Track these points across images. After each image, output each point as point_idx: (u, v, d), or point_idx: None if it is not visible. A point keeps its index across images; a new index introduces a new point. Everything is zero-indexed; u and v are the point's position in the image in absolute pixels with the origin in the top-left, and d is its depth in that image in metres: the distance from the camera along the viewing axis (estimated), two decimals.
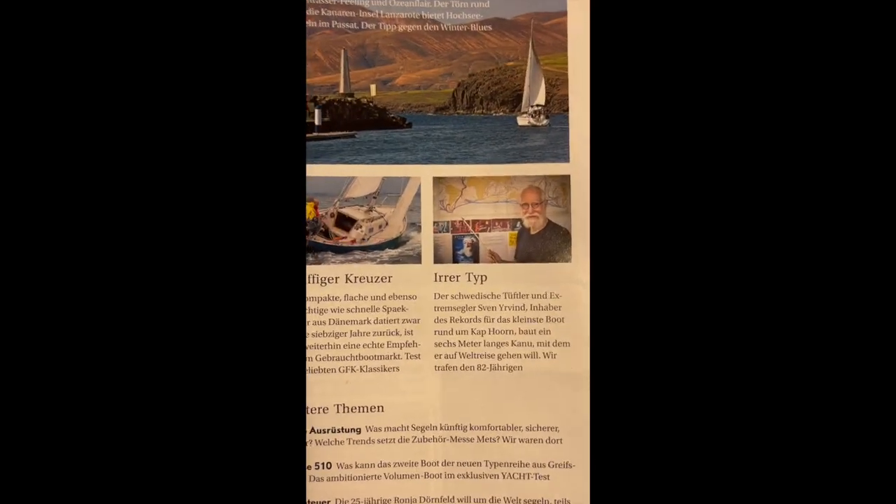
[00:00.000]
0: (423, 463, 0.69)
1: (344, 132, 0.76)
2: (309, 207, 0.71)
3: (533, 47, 0.76)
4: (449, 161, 0.73)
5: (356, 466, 0.68)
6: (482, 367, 0.70)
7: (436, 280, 0.71)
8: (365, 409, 0.69)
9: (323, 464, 0.68)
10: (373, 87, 0.78)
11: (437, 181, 0.72)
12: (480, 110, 0.80)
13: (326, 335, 0.69)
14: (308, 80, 0.69)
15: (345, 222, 0.73)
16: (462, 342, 0.70)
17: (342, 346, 0.69)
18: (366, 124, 0.77)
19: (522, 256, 0.72)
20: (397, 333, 0.70)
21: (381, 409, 0.69)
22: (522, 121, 0.78)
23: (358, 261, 0.72)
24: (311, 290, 0.69)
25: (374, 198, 0.73)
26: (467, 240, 0.72)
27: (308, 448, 0.67)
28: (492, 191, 0.72)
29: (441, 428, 0.69)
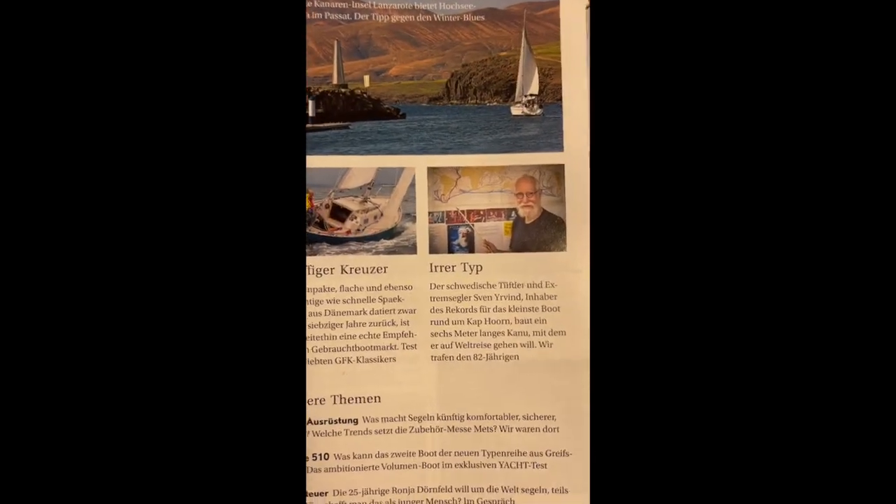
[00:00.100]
0: (421, 453, 0.69)
1: (338, 123, 0.76)
2: None
3: (526, 37, 0.76)
4: (443, 151, 0.73)
5: (353, 457, 0.68)
6: (478, 357, 0.70)
7: (431, 270, 0.71)
8: (362, 400, 0.69)
9: (320, 455, 0.68)
10: (366, 77, 0.77)
11: (432, 171, 0.72)
12: (474, 100, 0.80)
13: (322, 326, 0.69)
14: None
15: (340, 213, 0.73)
16: (458, 332, 0.70)
17: (338, 338, 0.69)
18: (359, 115, 0.76)
19: (518, 246, 0.72)
20: (393, 324, 0.70)
21: (377, 399, 0.69)
22: (516, 110, 0.78)
23: (353, 252, 0.71)
24: (307, 281, 0.69)
25: (369, 188, 0.73)
26: (462, 230, 0.72)
27: (305, 439, 0.67)
28: (486, 181, 0.72)
29: (438, 418, 0.69)
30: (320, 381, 0.68)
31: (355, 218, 0.73)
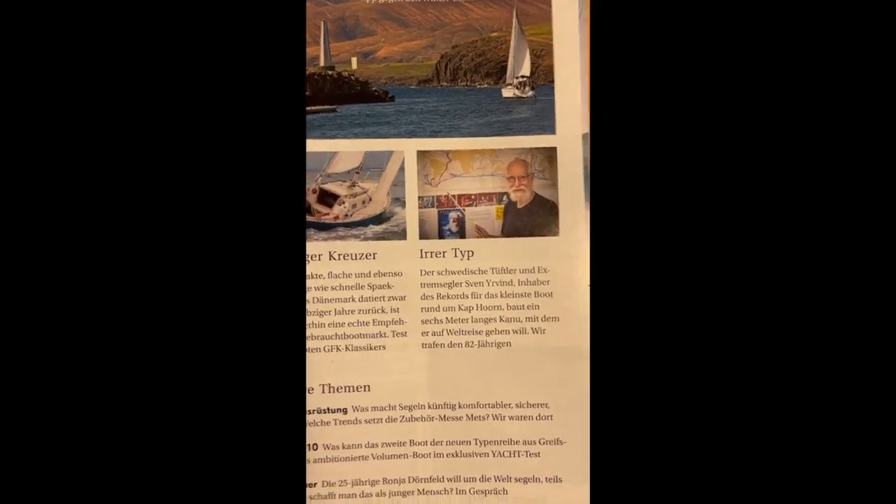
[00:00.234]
0: (412, 443, 0.68)
1: (325, 106, 0.74)
2: None
3: (517, 17, 0.75)
4: (433, 134, 0.72)
5: (343, 447, 0.68)
6: (470, 344, 0.69)
7: (422, 256, 0.70)
8: (351, 389, 0.68)
9: (309, 445, 0.67)
10: (354, 59, 0.76)
11: (422, 155, 0.71)
12: (464, 82, 0.79)
13: (310, 314, 0.68)
14: None
15: (327, 198, 0.71)
16: (449, 319, 0.69)
17: (326, 325, 0.68)
18: (347, 98, 0.75)
19: (509, 231, 0.71)
20: (383, 311, 0.69)
21: (367, 388, 0.68)
22: (507, 92, 0.77)
23: (341, 237, 0.70)
24: None
25: (357, 173, 0.72)
26: (453, 215, 0.71)
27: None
28: (477, 164, 0.72)
29: (429, 407, 0.68)
30: (309, 370, 0.67)
31: (343, 203, 0.71)
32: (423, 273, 0.70)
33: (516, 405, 0.69)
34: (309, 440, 0.67)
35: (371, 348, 0.69)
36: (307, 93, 0.73)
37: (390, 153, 0.71)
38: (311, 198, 0.71)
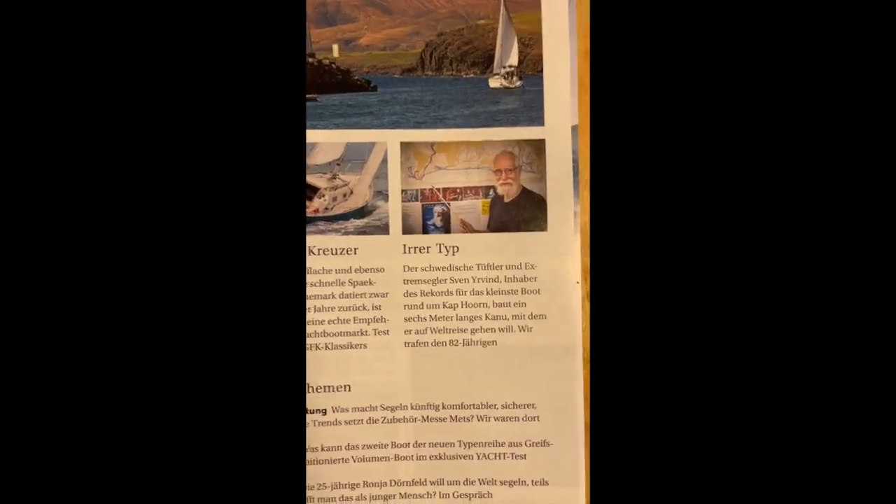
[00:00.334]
0: (394, 444, 0.67)
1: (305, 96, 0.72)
2: None
3: (505, 4, 0.74)
4: (417, 125, 0.71)
5: (322, 449, 0.66)
6: (454, 343, 0.68)
7: (405, 252, 0.69)
8: (331, 389, 0.67)
9: None
10: (335, 47, 0.74)
11: (405, 147, 0.70)
12: (450, 72, 0.77)
13: None
14: None
15: (307, 191, 0.69)
16: (433, 317, 0.68)
17: (306, 323, 0.67)
18: (328, 87, 0.73)
19: (496, 225, 0.70)
20: (364, 308, 0.68)
21: (347, 388, 0.67)
22: (494, 82, 0.76)
23: (321, 232, 0.69)
24: None
25: (338, 165, 0.70)
26: (437, 209, 0.70)
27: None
28: (463, 157, 0.71)
29: (412, 407, 0.67)
30: None
31: (323, 196, 0.70)
32: (407, 269, 0.69)
33: (502, 406, 0.68)
34: None
35: (352, 347, 0.67)
36: None
37: (373, 145, 0.70)
38: None
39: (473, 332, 0.68)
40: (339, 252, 0.68)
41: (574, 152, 0.69)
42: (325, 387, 0.67)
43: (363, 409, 0.67)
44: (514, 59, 0.75)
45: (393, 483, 0.67)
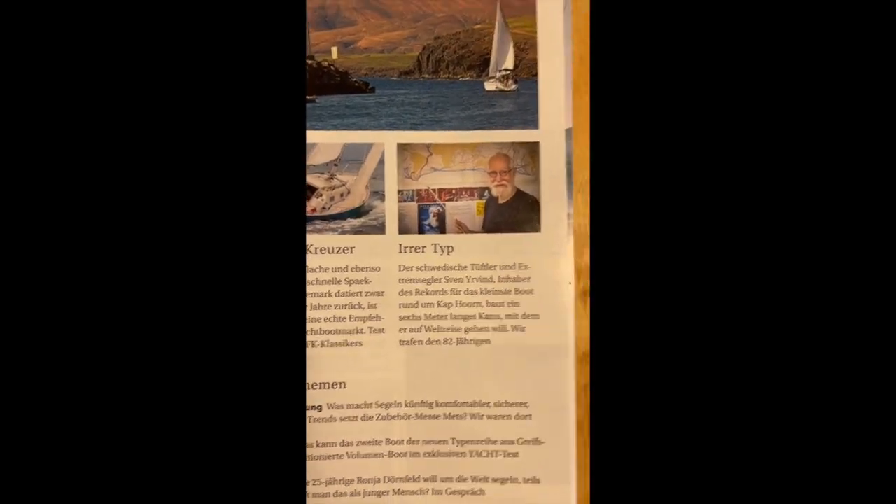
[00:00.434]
0: (388, 441, 0.67)
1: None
2: None
3: (501, 9, 0.74)
4: (414, 127, 0.71)
5: (317, 446, 0.66)
6: (448, 342, 0.68)
7: (400, 251, 0.69)
8: (326, 386, 0.67)
9: None
10: (334, 49, 0.75)
11: (402, 148, 0.70)
12: (447, 75, 0.77)
13: None
14: None
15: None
16: (428, 315, 0.68)
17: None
18: (326, 88, 0.73)
19: (490, 226, 0.70)
20: (360, 307, 0.68)
21: (343, 385, 0.67)
22: (490, 86, 0.76)
23: (318, 231, 0.69)
24: None
25: (336, 165, 0.71)
26: (433, 209, 0.70)
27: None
28: (458, 158, 0.71)
29: (406, 405, 0.68)
30: None
31: (321, 195, 0.70)
32: (402, 268, 0.69)
33: (495, 404, 0.68)
34: None
35: (347, 344, 0.68)
36: None
37: (370, 145, 0.70)
38: None
39: (467, 331, 0.68)
40: (335, 251, 0.68)
41: (568, 154, 0.69)
42: (320, 384, 0.67)
43: (358, 407, 0.67)
44: (509, 63, 0.75)
45: (387, 479, 0.67)
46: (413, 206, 0.70)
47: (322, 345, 0.67)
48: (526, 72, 0.72)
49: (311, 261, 0.68)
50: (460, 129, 0.71)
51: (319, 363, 0.67)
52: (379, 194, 0.70)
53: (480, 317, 0.68)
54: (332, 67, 0.74)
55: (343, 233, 0.69)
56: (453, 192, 0.70)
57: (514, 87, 0.75)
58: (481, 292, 0.69)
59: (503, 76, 0.76)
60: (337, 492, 0.66)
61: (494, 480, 0.67)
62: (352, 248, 0.69)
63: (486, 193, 0.70)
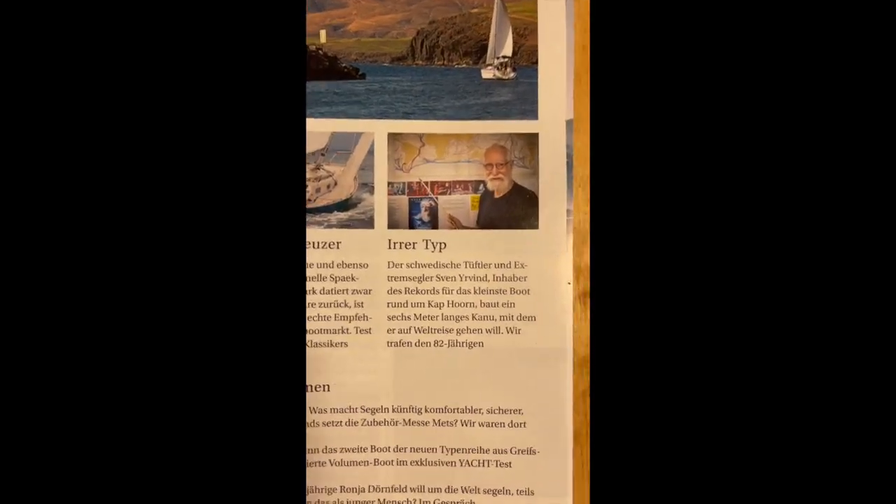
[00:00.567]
0: (373, 448, 0.66)
1: None
2: None
3: None
4: (406, 116, 0.70)
5: None
6: (439, 344, 0.67)
7: (390, 247, 0.68)
8: (309, 389, 0.67)
9: None
10: (322, 32, 0.73)
11: (393, 138, 0.69)
12: (441, 61, 0.75)
13: None
14: None
15: None
16: (418, 316, 0.67)
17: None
18: (314, 74, 0.71)
19: (485, 222, 0.69)
20: (346, 305, 0.67)
21: (326, 388, 0.67)
22: (487, 73, 0.74)
23: None
24: None
25: (322, 155, 0.69)
26: (425, 203, 0.69)
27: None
28: (453, 150, 0.69)
29: (393, 410, 0.67)
30: None
31: (306, 187, 0.69)
32: (391, 265, 0.68)
33: (487, 411, 0.67)
34: None
35: (332, 345, 0.67)
36: None
37: (359, 135, 0.69)
38: None
39: (459, 332, 0.67)
40: (320, 245, 0.67)
41: (568, 147, 0.68)
42: None
43: (342, 411, 0.66)
44: (508, 50, 0.73)
45: (372, 489, 0.66)
46: (404, 200, 0.69)
47: (305, 345, 0.66)
48: (525, 59, 0.71)
49: None
50: (455, 118, 0.70)
51: None
52: (368, 186, 0.69)
53: (473, 318, 0.67)
54: (320, 52, 0.73)
55: (329, 227, 0.68)
56: (447, 185, 0.69)
57: (512, 75, 0.73)
58: (475, 292, 0.68)
59: (501, 63, 0.74)
60: (318, 501, 0.65)
61: (486, 492, 0.66)
62: (338, 242, 0.68)
63: (481, 187, 0.69)
